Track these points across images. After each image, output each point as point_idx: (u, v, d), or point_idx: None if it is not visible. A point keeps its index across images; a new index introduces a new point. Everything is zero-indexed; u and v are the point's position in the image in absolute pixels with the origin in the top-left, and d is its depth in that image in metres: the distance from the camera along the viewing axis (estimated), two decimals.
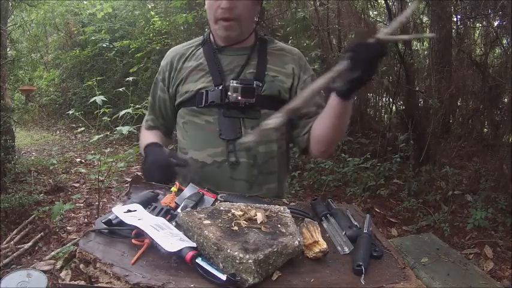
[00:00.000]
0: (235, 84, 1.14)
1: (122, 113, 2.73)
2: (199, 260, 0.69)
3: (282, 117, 0.86)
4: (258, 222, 0.78)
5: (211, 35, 1.27)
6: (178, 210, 0.91)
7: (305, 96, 0.88)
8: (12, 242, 2.86)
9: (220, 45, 1.24)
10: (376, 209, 3.63)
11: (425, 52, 5.57)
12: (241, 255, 0.66)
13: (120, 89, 3.43)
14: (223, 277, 0.65)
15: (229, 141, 1.17)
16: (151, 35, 6.29)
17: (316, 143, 1.18)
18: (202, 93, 1.19)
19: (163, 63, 1.31)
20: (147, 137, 1.33)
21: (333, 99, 1.02)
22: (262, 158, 1.19)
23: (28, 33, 9.09)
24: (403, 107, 4.74)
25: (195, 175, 1.19)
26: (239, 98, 1.14)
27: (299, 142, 1.24)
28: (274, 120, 0.86)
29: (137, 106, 2.79)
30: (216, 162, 1.18)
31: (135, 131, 2.78)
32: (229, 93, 1.15)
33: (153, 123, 1.37)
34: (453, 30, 4.87)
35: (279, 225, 0.78)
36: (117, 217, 0.82)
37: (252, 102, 1.16)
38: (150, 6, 7.00)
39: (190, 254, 0.70)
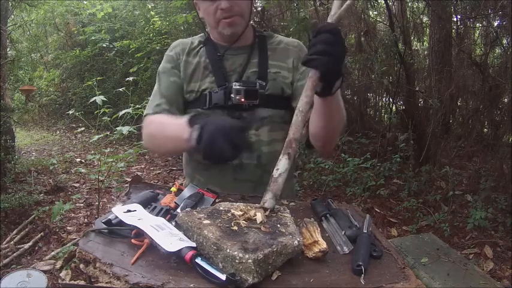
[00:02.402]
0: (237, 87, 1.13)
1: (121, 113, 2.73)
2: (198, 260, 0.69)
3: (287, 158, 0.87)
4: (258, 222, 0.78)
5: (211, 35, 1.26)
6: (178, 210, 0.91)
7: (299, 124, 0.87)
8: (12, 242, 2.86)
9: (222, 45, 1.23)
10: (376, 209, 3.63)
11: (425, 52, 5.57)
12: (240, 255, 0.66)
13: (120, 89, 3.43)
14: (223, 277, 0.65)
15: None
16: (151, 35, 6.29)
17: (313, 139, 1.15)
18: (206, 95, 1.18)
19: (171, 53, 1.27)
20: (172, 117, 1.11)
21: (315, 99, 0.98)
22: (267, 157, 1.18)
23: (28, 33, 9.11)
24: (403, 107, 4.74)
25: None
26: (242, 100, 1.13)
27: (301, 138, 1.22)
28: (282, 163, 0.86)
29: (137, 106, 2.79)
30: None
31: (135, 131, 2.77)
32: (232, 96, 1.14)
33: (167, 107, 1.19)
34: (453, 30, 4.87)
35: (278, 225, 0.78)
36: (116, 217, 0.82)
37: (255, 103, 1.15)
38: (150, 6, 7.00)
39: (190, 253, 0.69)
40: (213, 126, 0.87)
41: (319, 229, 0.82)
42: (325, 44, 0.83)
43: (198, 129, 0.89)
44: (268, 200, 0.83)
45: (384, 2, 4.35)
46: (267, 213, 0.82)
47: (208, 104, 1.17)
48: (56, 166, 4.76)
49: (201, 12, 1.20)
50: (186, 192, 1.01)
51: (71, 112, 3.25)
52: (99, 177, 3.03)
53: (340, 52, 0.85)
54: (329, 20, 0.90)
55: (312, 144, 1.17)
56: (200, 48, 1.25)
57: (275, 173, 0.85)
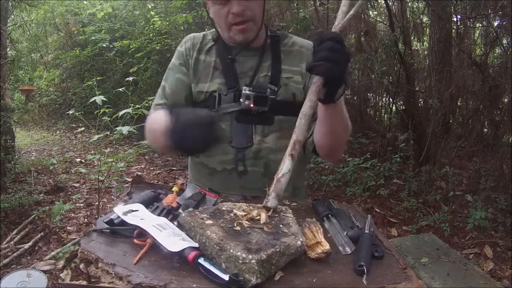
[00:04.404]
0: (247, 92, 1.10)
1: (121, 113, 2.73)
2: (201, 260, 0.69)
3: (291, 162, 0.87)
4: (262, 222, 0.78)
5: (222, 35, 1.21)
6: (180, 210, 0.91)
7: (303, 127, 0.88)
8: (12, 242, 2.86)
9: (233, 47, 1.19)
10: (376, 209, 3.63)
11: (425, 52, 5.58)
12: (244, 255, 0.66)
13: (120, 89, 3.43)
14: (226, 277, 0.65)
15: (239, 150, 1.14)
16: (151, 35, 6.29)
17: (318, 147, 1.14)
18: (215, 97, 1.15)
19: (181, 49, 1.24)
20: (163, 112, 1.10)
21: (319, 107, 0.98)
22: (275, 166, 1.10)
23: (28, 33, 9.10)
24: (403, 107, 4.74)
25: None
26: (251, 106, 1.10)
27: (307, 145, 1.19)
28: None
29: (137, 106, 2.79)
30: (226, 169, 1.16)
31: (135, 131, 2.77)
32: (241, 100, 1.11)
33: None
34: (453, 30, 4.87)
35: (281, 225, 0.78)
36: (118, 217, 0.82)
37: (265, 110, 1.12)
38: (150, 6, 7.00)
39: (193, 254, 0.69)
40: (183, 118, 0.89)
41: (321, 229, 0.82)
42: (328, 51, 0.85)
43: (172, 121, 0.90)
44: (271, 199, 0.83)
45: (384, 2, 4.35)
46: (270, 213, 0.82)
47: (217, 106, 1.15)
48: (56, 166, 4.75)
49: (212, 13, 1.16)
50: (188, 192, 1.01)
51: (71, 112, 3.25)
52: (99, 177, 3.03)
53: (343, 59, 0.87)
54: (333, 29, 0.92)
55: (318, 152, 1.17)
56: (212, 46, 1.22)
57: (279, 174, 0.85)
